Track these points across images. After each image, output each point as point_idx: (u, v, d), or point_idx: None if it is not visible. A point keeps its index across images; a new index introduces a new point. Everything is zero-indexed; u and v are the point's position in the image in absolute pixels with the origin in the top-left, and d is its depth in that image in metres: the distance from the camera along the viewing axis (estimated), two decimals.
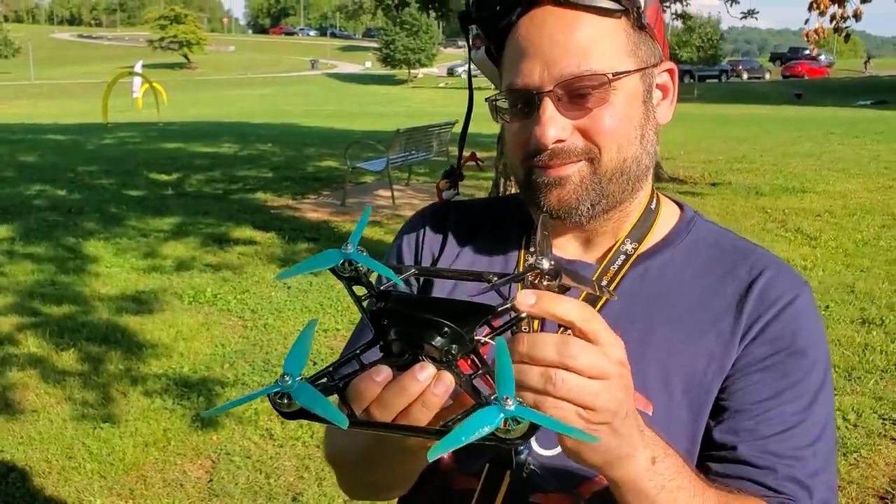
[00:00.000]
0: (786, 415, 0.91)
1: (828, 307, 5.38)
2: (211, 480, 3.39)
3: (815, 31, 10.21)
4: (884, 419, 3.87)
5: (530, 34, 0.90)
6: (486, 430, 0.61)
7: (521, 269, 0.95)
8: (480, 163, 1.15)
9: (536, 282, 0.71)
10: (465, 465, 0.95)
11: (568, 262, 1.00)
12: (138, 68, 29.26)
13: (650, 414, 0.91)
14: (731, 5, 13.44)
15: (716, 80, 49.47)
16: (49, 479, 3.36)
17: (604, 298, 0.95)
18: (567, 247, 1.02)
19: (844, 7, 10.16)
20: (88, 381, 4.28)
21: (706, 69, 47.94)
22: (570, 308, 0.67)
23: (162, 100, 25.34)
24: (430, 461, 0.61)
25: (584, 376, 0.66)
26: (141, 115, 25.04)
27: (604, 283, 0.97)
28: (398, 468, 0.92)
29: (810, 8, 9.99)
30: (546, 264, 0.70)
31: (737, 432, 0.92)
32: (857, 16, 10.11)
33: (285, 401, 0.66)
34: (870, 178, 11.25)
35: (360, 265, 0.73)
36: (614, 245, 0.99)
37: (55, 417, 3.88)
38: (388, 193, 9.83)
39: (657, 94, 0.97)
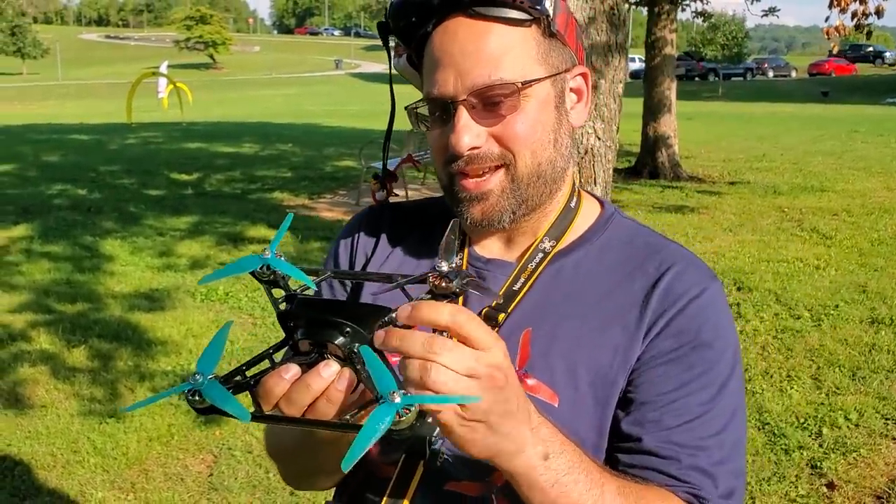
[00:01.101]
0: (690, 406, 0.94)
1: (837, 307, 5.34)
2: (211, 475, 3.45)
3: (836, 28, 10.13)
4: (886, 419, 3.85)
5: (444, 44, 0.94)
6: (385, 426, 0.65)
7: None
8: (418, 164, 1.19)
9: (437, 283, 0.75)
10: (386, 455, 0.99)
11: (487, 262, 1.04)
12: (163, 69, 29.55)
13: (556, 406, 0.94)
14: (751, 3, 13.39)
15: (741, 79, 49.03)
16: (53, 473, 3.44)
17: (520, 295, 0.98)
18: (490, 246, 1.05)
19: (866, 4, 10.06)
20: (97, 377, 4.37)
21: (731, 67, 47.49)
22: (442, 313, 0.70)
23: (186, 100, 25.57)
24: (346, 471, 0.65)
25: (456, 373, 0.69)
26: (165, 116, 25.31)
27: (521, 280, 1.00)
28: (322, 459, 0.96)
29: (831, 5, 9.91)
30: (446, 267, 0.75)
31: (642, 424, 0.94)
32: (878, 12, 10.01)
33: (197, 397, 0.71)
34: (891, 176, 11.13)
35: (277, 269, 0.77)
36: (533, 243, 1.02)
37: (63, 413, 3.96)
38: (403, 193, 9.87)
39: (571, 97, 1.01)
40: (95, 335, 4.96)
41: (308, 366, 0.74)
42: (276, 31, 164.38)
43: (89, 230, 7.84)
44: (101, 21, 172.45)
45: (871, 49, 54.94)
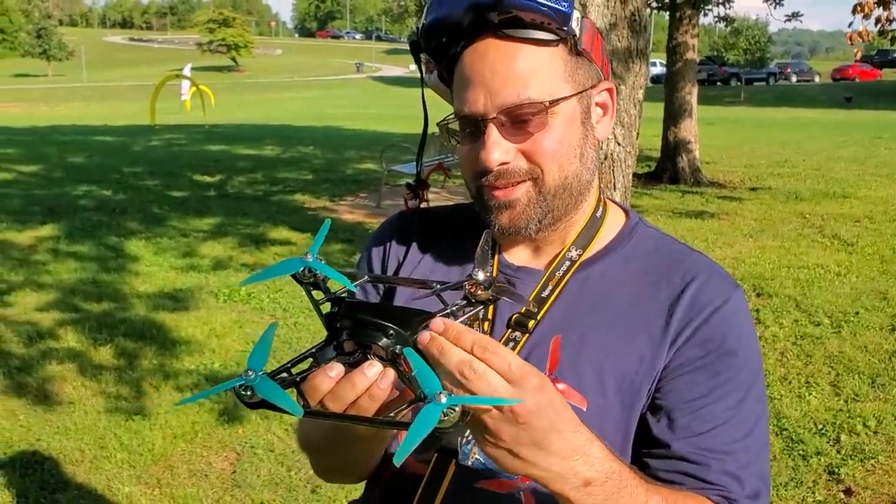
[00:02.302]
0: (717, 412, 0.98)
1: (857, 313, 5.33)
2: (234, 472, 3.52)
3: (859, 33, 10.09)
4: None
5: (474, 64, 0.97)
6: (432, 424, 0.70)
7: None
8: (448, 171, 1.24)
9: (473, 290, 0.80)
10: (417, 453, 1.03)
11: (517, 269, 1.08)
12: (187, 71, 29.79)
13: (584, 410, 0.98)
14: (774, 7, 13.35)
15: (763, 83, 48.74)
16: (81, 468, 3.51)
17: (548, 302, 1.03)
18: (519, 254, 1.10)
19: (890, 9, 10.01)
20: (123, 375, 4.45)
21: (753, 72, 47.29)
22: (465, 342, 0.74)
23: (209, 102, 25.78)
24: (398, 465, 0.70)
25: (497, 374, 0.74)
26: (188, 118, 25.53)
27: (549, 287, 1.04)
28: (354, 453, 1.01)
29: (854, 10, 9.87)
30: (481, 276, 0.80)
31: (672, 430, 0.98)
32: None
33: (248, 392, 0.76)
34: None
35: (318, 272, 0.82)
36: (560, 252, 1.07)
37: (90, 409, 4.04)
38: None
39: (597, 112, 1.05)
40: (121, 334, 5.04)
41: (351, 365, 0.78)
42: (297, 35, 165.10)
43: (114, 231, 7.96)
44: (125, 23, 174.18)
45: None
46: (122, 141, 17.40)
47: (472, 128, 0.99)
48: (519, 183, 0.99)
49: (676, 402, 0.99)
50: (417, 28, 1.04)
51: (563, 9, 0.95)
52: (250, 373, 0.75)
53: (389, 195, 10.18)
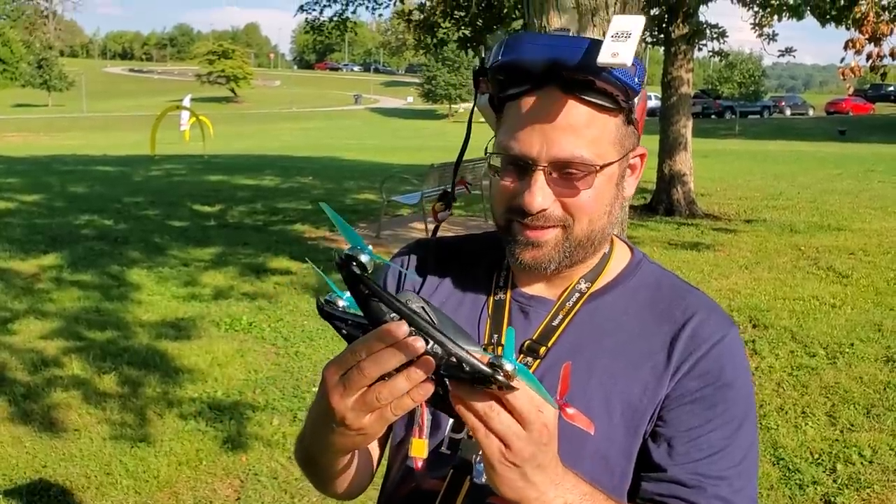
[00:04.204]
0: (713, 440, 1.06)
1: (853, 345, 5.40)
2: (239, 499, 3.56)
3: (851, 69, 10.27)
4: None
5: (536, 109, 1.03)
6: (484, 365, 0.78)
7: (490, 307, 1.16)
8: (469, 187, 1.32)
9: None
10: (434, 472, 1.10)
11: (530, 298, 1.16)
12: (187, 102, 30.02)
13: (591, 434, 1.05)
14: (768, 42, 13.58)
15: (758, 116, 49.19)
16: (87, 494, 3.55)
17: (558, 331, 1.10)
18: (532, 284, 1.17)
19: (881, 46, 10.21)
20: (127, 402, 4.49)
21: (748, 105, 47.74)
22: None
23: (208, 133, 25.93)
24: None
25: (514, 418, 0.82)
26: (187, 148, 25.69)
27: (560, 317, 1.12)
28: (326, 459, 1.04)
29: (846, 46, 10.06)
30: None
31: (671, 455, 1.06)
32: (893, 55, 10.14)
33: (357, 257, 0.78)
34: None
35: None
36: (571, 284, 1.15)
37: (95, 436, 4.09)
38: (423, 226, 10.03)
39: (627, 171, 1.12)
40: (125, 362, 5.09)
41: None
42: (296, 66, 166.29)
43: (116, 260, 8.02)
44: (126, 55, 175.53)
45: (892, 88, 54.99)
46: (122, 171, 17.50)
47: (518, 166, 1.05)
48: (550, 227, 1.06)
49: (676, 430, 1.06)
50: (486, 59, 1.09)
51: (634, 85, 1.01)
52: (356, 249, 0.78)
53: (389, 225, 10.28)
